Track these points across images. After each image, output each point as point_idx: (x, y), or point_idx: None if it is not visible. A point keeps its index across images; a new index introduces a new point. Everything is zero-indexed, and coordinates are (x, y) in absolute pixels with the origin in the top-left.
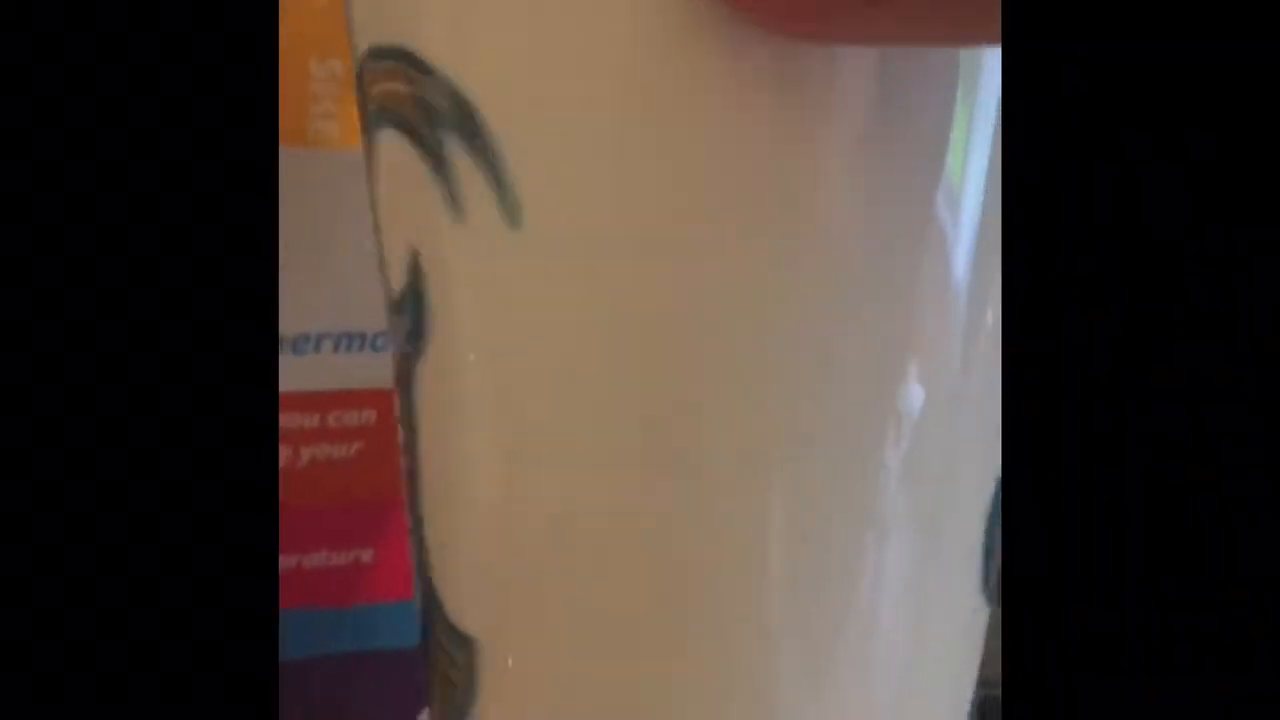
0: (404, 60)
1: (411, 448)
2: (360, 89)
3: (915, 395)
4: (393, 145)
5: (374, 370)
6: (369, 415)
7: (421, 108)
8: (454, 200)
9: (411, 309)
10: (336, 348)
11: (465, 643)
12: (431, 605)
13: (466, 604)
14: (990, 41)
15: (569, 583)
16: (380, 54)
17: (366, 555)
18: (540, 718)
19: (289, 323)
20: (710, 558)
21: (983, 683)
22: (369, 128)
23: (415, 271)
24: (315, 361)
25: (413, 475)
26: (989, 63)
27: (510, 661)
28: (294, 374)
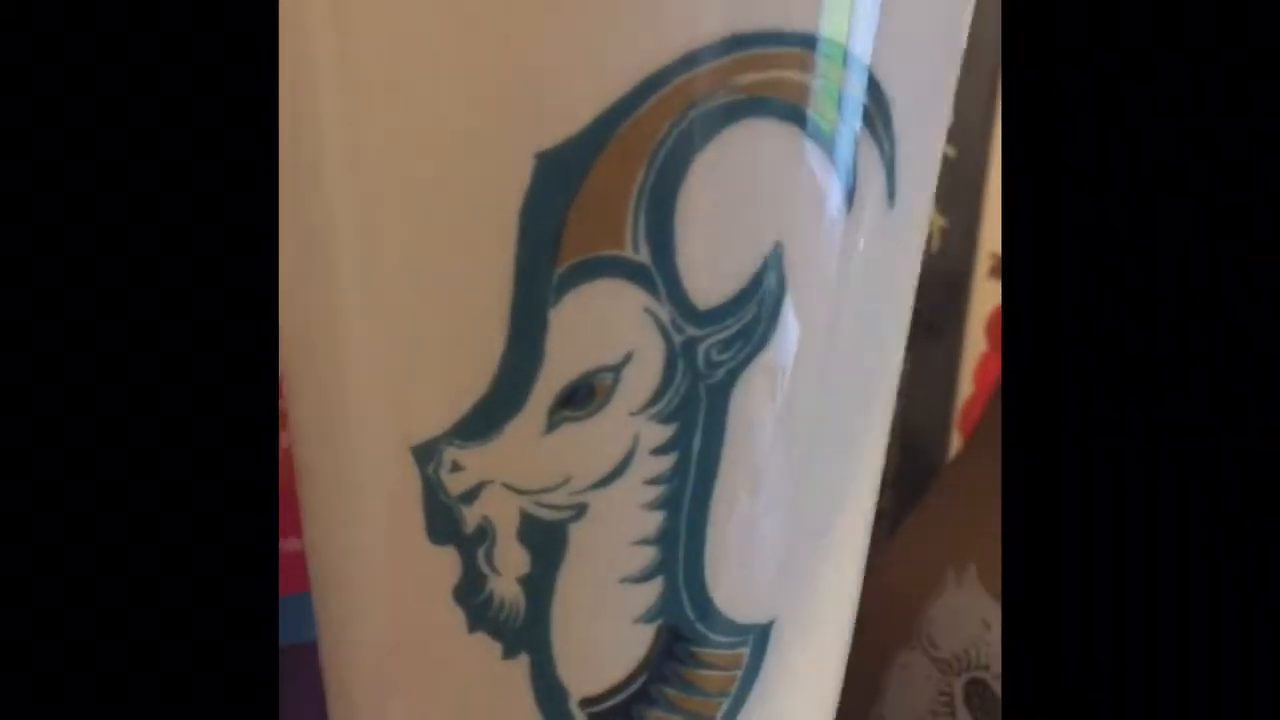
0: (806, 46)
1: (694, 464)
2: (696, 76)
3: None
4: (771, 134)
5: None
6: None
7: (827, 93)
8: (850, 184)
9: (756, 308)
10: None
11: (756, 631)
12: (703, 617)
13: (759, 594)
14: None
15: (846, 550)
16: (759, 40)
17: None
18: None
19: None
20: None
21: (970, 665)
22: (714, 117)
23: (774, 266)
24: None
25: (693, 500)
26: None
27: (801, 630)
28: None
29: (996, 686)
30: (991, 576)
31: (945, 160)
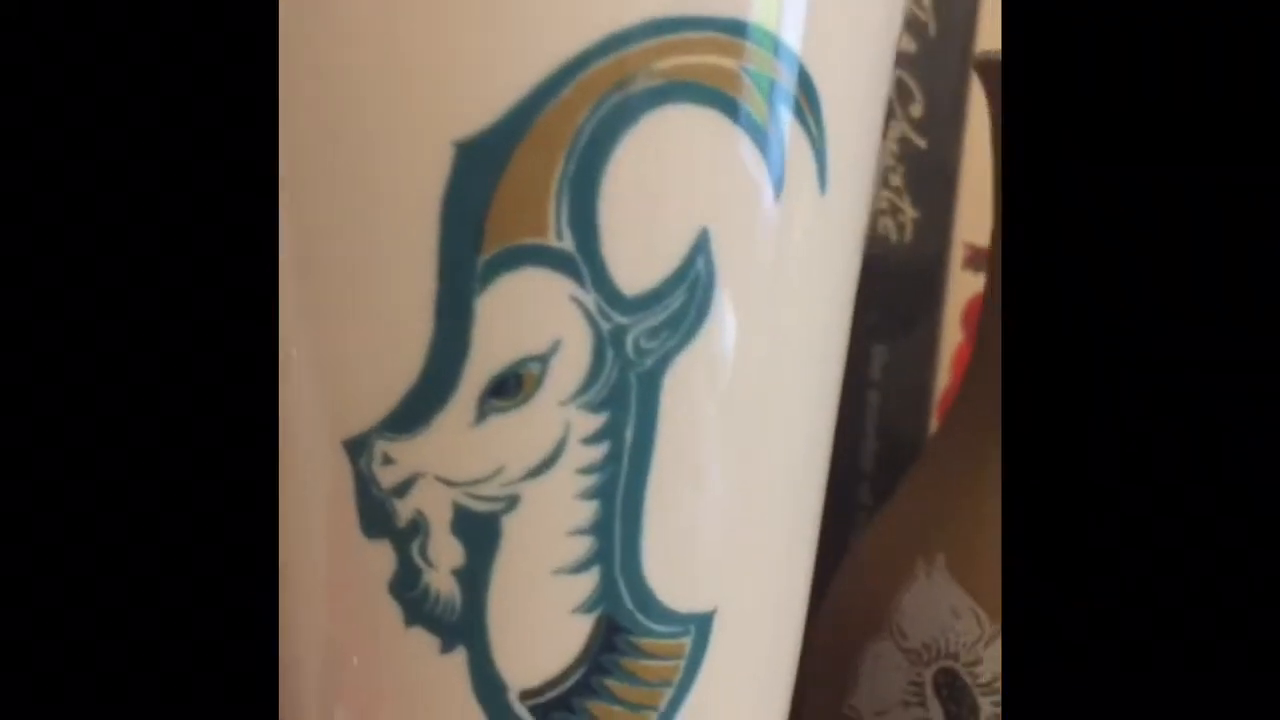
0: (733, 32)
1: (627, 453)
2: (617, 61)
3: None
4: (696, 120)
5: None
6: None
7: (755, 81)
8: (779, 172)
9: (685, 294)
10: None
11: (697, 621)
12: (641, 607)
13: (700, 583)
14: None
15: (789, 539)
16: (682, 25)
17: None
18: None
19: None
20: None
21: (939, 655)
22: (636, 102)
23: (701, 252)
24: None
25: (627, 489)
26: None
27: (744, 619)
28: None
29: (965, 675)
30: (960, 567)
31: (916, 151)
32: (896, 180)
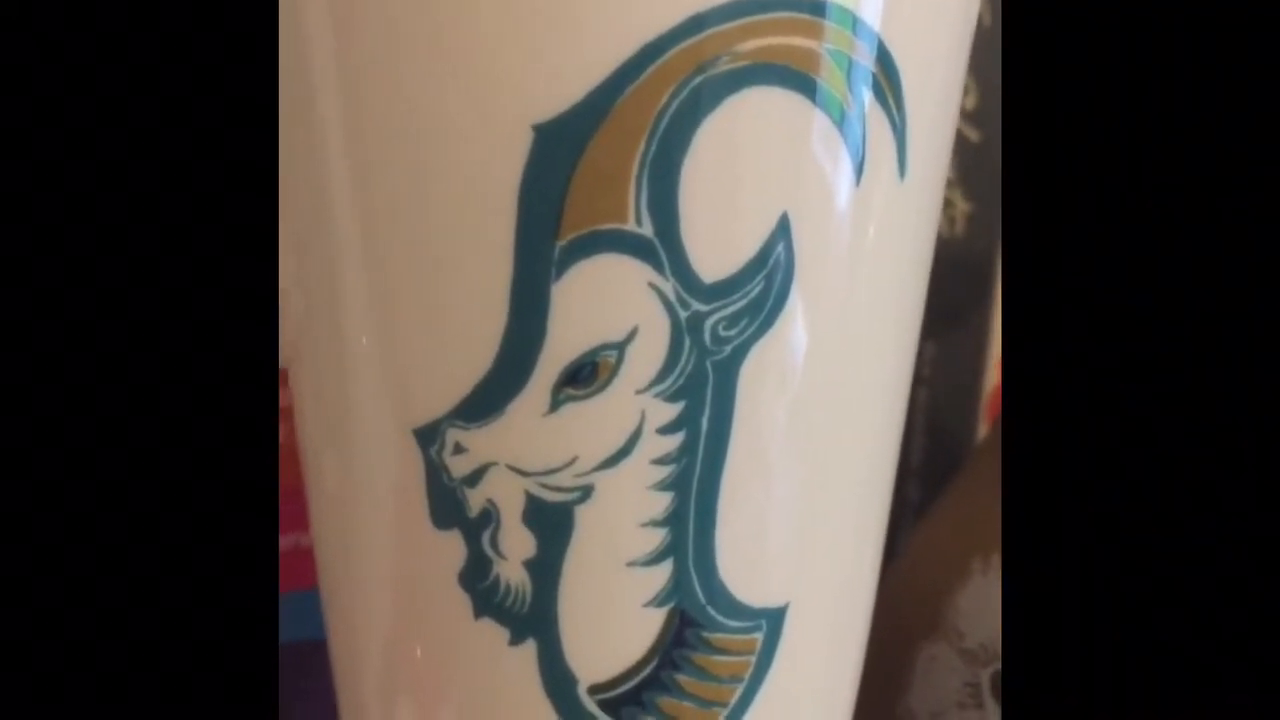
0: (813, 11)
1: (702, 444)
2: (697, 43)
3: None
4: (777, 103)
5: None
6: None
7: (836, 61)
8: (859, 156)
9: (764, 281)
10: None
11: (769, 616)
12: (714, 601)
13: (772, 577)
14: None
15: (860, 533)
16: (763, 5)
17: None
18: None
19: None
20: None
21: (997, 655)
22: (718, 84)
23: (782, 238)
24: None
25: (702, 481)
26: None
27: (815, 614)
28: None
29: None
30: None
31: (970, 144)
32: (949, 173)
